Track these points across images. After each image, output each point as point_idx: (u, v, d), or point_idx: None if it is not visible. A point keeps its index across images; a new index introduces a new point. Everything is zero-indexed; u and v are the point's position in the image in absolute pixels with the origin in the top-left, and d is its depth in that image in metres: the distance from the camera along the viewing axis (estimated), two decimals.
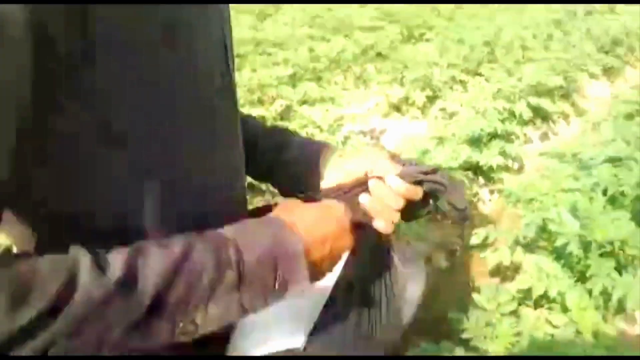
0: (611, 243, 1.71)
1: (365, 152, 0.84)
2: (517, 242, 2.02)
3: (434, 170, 0.74)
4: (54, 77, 0.47)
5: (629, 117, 3.22)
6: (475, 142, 3.35)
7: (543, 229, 1.88)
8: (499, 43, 5.30)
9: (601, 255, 1.72)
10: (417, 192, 0.73)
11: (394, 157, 0.77)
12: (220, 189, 0.66)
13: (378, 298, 0.81)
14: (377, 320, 0.81)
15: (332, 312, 0.76)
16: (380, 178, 0.73)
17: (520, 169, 3.47)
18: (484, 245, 2.09)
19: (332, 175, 0.79)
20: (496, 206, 3.13)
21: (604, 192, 2.16)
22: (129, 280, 0.47)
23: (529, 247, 1.98)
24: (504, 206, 2.82)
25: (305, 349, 0.74)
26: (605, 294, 1.62)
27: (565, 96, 4.66)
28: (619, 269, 1.71)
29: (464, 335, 1.56)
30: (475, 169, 3.26)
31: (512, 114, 3.74)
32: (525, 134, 4.43)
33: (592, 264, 1.66)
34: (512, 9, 7.84)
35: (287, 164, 0.84)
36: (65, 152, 0.52)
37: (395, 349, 1.27)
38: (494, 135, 3.46)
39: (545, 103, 3.97)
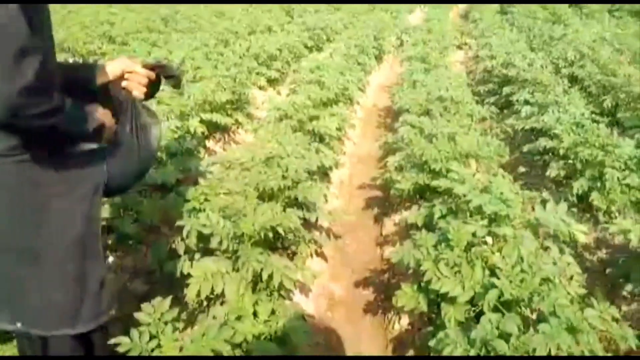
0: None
1: (119, 59, 1.55)
2: None
3: (161, 63, 1.60)
4: None
5: (280, 119, 3.77)
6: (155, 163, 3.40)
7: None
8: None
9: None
10: (152, 74, 1.54)
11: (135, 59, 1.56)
12: None
13: (137, 134, 1.53)
14: (140, 145, 1.54)
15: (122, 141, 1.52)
16: (130, 72, 1.52)
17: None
18: None
19: (103, 75, 1.51)
20: None
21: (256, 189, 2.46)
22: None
23: None
24: None
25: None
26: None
27: (239, 108, 5.17)
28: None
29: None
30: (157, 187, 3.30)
31: (187, 131, 3.94)
32: (208, 148, 4.75)
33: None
34: (187, 31, 8.26)
35: (84, 79, 1.52)
36: None
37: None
38: (173, 154, 3.57)
39: (217, 117, 4.32)
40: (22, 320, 1.40)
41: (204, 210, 2.12)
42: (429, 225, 2.59)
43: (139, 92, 1.52)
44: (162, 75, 1.56)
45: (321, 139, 3.75)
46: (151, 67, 1.53)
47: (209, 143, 4.59)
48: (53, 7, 8.88)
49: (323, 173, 3.57)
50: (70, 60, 6.88)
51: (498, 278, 1.79)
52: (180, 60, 5.69)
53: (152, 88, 1.56)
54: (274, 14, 9.82)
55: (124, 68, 1.51)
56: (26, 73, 1.10)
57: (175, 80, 1.61)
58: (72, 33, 7.30)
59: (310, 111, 3.71)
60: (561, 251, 2.16)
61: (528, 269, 1.85)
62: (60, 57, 6.56)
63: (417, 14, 14.88)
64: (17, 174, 1.32)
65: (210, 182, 2.46)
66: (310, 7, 11.33)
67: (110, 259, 2.85)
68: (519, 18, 11.47)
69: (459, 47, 9.87)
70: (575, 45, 6.90)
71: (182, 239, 2.17)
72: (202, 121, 4.15)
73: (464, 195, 2.26)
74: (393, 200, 3.73)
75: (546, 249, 2.11)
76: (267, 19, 9.07)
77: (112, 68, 1.51)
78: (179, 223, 2.11)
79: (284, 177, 2.61)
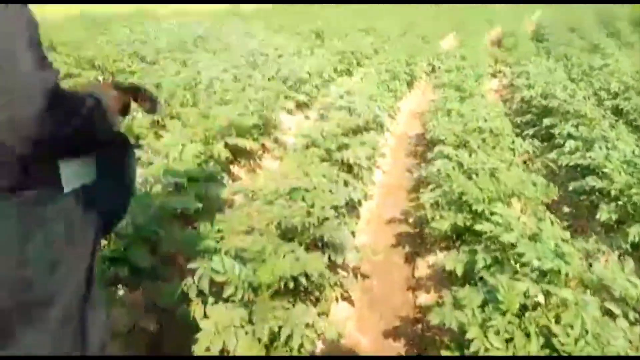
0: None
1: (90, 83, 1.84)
2: None
3: (135, 85, 1.40)
4: None
5: (307, 147, 3.57)
6: (176, 189, 3.23)
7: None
8: (200, 86, 5.40)
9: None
10: (126, 98, 1.34)
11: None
12: None
13: None
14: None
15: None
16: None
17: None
18: None
19: None
20: None
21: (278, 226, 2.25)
22: None
23: None
24: None
25: None
26: None
27: (266, 132, 5.01)
28: None
29: None
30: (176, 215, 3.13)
31: (211, 156, 3.78)
32: (232, 172, 4.58)
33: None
34: (218, 52, 8.25)
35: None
36: None
37: None
38: (194, 180, 3.41)
39: (242, 141, 4.16)
40: None
41: (219, 250, 1.91)
42: (469, 274, 2.33)
43: (114, 116, 1.31)
44: (137, 99, 1.39)
45: (350, 169, 3.53)
46: (124, 90, 1.36)
47: (234, 168, 4.42)
48: (85, 24, 9.02)
49: (351, 206, 3.34)
50: (100, 79, 6.91)
51: (558, 352, 1.52)
52: (208, 81, 5.60)
53: (124, 109, 1.38)
54: (305, 37, 9.76)
55: (97, 92, 1.31)
56: (54, 68, 1.03)
57: (150, 105, 1.42)
58: (102, 50, 7.34)
59: (339, 139, 3.50)
60: (626, 316, 1.87)
61: (593, 341, 1.57)
62: (90, 75, 6.59)
63: (449, 40, 14.70)
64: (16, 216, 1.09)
65: (229, 217, 2.25)
66: (341, 30, 11.26)
67: (121, 292, 2.67)
68: (555, 46, 11.16)
69: (493, 75, 9.61)
70: (617, 75, 6.57)
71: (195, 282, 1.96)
72: (226, 146, 3.99)
73: (512, 245, 1.99)
74: (427, 239, 3.47)
75: (611, 314, 1.82)
76: (298, 41, 9.00)
77: (90, 89, 1.31)
78: (191, 265, 1.90)
79: (309, 214, 2.39)
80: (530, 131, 5.38)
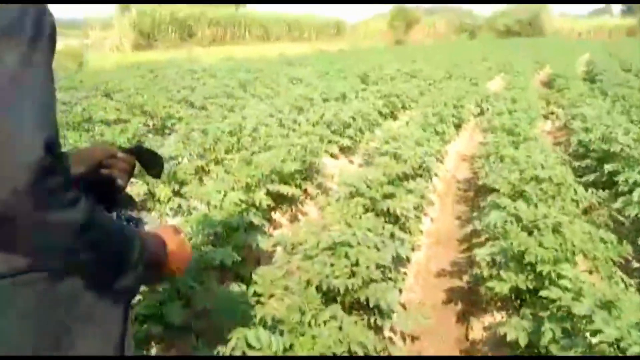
0: None
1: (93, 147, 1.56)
2: None
3: (141, 147, 1.30)
4: None
5: (351, 196, 3.41)
6: (215, 238, 3.14)
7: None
8: (245, 132, 5.41)
9: None
10: (133, 160, 1.24)
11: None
12: None
13: None
14: None
15: None
16: (111, 157, 1.21)
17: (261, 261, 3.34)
18: None
19: (78, 164, 1.13)
20: None
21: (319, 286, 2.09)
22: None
23: None
24: None
25: None
26: None
27: (308, 177, 4.91)
28: None
29: None
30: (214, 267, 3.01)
31: (253, 204, 3.68)
32: (274, 220, 4.47)
33: None
34: (264, 97, 8.37)
35: None
36: None
37: None
38: (234, 229, 3.31)
39: (284, 188, 4.06)
40: None
41: (254, 317, 1.76)
42: (534, 344, 2.06)
43: (122, 180, 1.22)
44: (142, 162, 1.29)
45: (396, 220, 3.34)
46: (130, 152, 1.26)
47: (275, 215, 4.31)
48: (141, 72, 9.44)
49: (398, 260, 3.13)
50: (150, 124, 7.10)
51: None
52: (253, 126, 5.61)
53: (131, 172, 1.30)
54: (349, 81, 9.79)
55: (103, 154, 1.23)
56: (53, 122, 0.79)
57: (156, 169, 1.31)
58: (153, 96, 7.57)
59: (385, 188, 3.33)
60: None
61: None
62: (141, 120, 6.77)
63: (496, 82, 14.44)
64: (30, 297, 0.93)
65: (267, 273, 2.10)
66: (386, 74, 11.26)
67: (154, 351, 2.55)
68: (609, 87, 10.67)
69: (545, 117, 9.24)
70: None
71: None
72: (268, 193, 3.89)
73: (588, 320, 1.73)
74: (481, 296, 3.18)
75: None
76: (342, 86, 9.02)
77: (90, 153, 1.23)
78: (226, 337, 1.75)
79: (352, 274, 2.21)
80: (590, 177, 5.02)
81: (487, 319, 2.97)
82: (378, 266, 2.29)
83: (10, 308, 0.87)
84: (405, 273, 3.13)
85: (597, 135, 5.51)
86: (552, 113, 9.58)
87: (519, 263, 2.39)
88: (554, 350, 1.83)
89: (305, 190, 4.77)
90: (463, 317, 3.22)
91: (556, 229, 2.43)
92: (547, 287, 2.08)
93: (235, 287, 2.12)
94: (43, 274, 0.92)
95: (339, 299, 2.03)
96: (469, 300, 3.40)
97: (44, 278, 0.92)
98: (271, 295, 1.87)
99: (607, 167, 4.73)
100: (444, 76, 12.52)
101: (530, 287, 2.28)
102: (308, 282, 1.99)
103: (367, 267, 2.19)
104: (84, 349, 1.00)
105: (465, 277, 3.70)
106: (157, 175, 1.33)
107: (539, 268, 2.20)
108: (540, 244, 2.30)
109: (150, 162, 1.30)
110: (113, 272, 0.94)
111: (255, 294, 1.93)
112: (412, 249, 3.61)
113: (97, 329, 1.03)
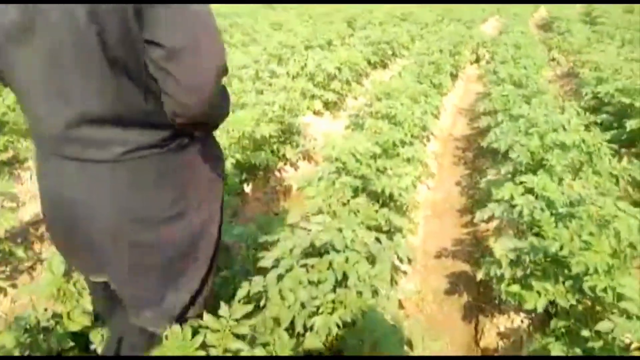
0: None
1: None
2: None
3: None
4: None
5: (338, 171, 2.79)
6: None
7: None
8: None
9: None
10: None
11: None
12: None
13: None
14: None
15: None
16: None
17: None
18: None
19: None
20: None
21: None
22: None
23: None
24: None
25: None
26: None
27: (287, 141, 4.27)
28: None
29: None
30: None
31: None
32: (245, 194, 3.85)
33: None
34: (240, 45, 7.52)
35: None
36: None
37: None
38: None
39: (258, 157, 3.42)
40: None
41: None
42: None
43: None
44: None
45: (391, 198, 2.73)
46: None
47: (247, 188, 3.69)
48: None
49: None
50: None
51: None
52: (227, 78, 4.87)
53: None
54: (335, 27, 8.91)
55: None
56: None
57: None
58: None
59: (378, 162, 2.71)
60: None
61: None
62: None
63: (491, 24, 13.57)
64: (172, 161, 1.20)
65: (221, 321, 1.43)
66: (375, 19, 10.35)
67: None
68: (613, 30, 9.91)
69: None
70: None
71: None
72: (237, 163, 3.26)
73: None
74: (491, 288, 2.65)
75: None
76: (327, 31, 8.16)
77: None
78: None
79: (338, 285, 1.63)
80: (607, 135, 4.44)
81: (502, 321, 2.44)
82: (372, 276, 1.70)
83: (151, 171, 1.15)
84: (405, 272, 2.56)
85: (615, 87, 4.88)
86: (554, 59, 8.89)
87: (559, 267, 1.81)
88: None
89: (283, 156, 4.13)
90: (471, 314, 2.70)
91: (605, 221, 1.84)
92: (601, 310, 1.52)
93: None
94: (171, 146, 1.16)
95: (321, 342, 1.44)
96: (477, 289, 2.88)
97: (171, 149, 1.17)
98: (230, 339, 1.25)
99: (631, 124, 4.14)
100: (436, 19, 11.64)
101: (573, 302, 1.71)
102: (276, 323, 1.39)
103: (359, 279, 1.59)
104: (200, 201, 1.25)
105: (471, 259, 3.18)
106: None
107: (588, 283, 1.61)
108: (587, 245, 1.71)
109: None
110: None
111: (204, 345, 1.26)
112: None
113: (210, 194, 1.29)
